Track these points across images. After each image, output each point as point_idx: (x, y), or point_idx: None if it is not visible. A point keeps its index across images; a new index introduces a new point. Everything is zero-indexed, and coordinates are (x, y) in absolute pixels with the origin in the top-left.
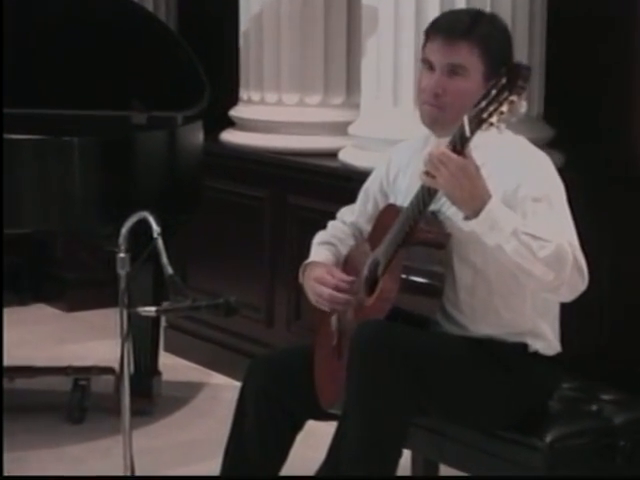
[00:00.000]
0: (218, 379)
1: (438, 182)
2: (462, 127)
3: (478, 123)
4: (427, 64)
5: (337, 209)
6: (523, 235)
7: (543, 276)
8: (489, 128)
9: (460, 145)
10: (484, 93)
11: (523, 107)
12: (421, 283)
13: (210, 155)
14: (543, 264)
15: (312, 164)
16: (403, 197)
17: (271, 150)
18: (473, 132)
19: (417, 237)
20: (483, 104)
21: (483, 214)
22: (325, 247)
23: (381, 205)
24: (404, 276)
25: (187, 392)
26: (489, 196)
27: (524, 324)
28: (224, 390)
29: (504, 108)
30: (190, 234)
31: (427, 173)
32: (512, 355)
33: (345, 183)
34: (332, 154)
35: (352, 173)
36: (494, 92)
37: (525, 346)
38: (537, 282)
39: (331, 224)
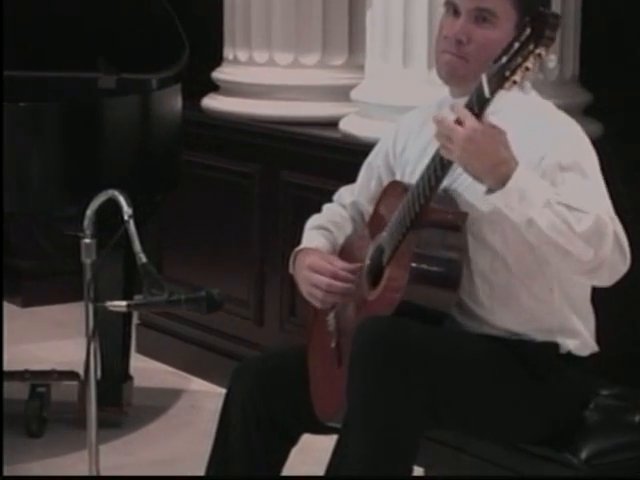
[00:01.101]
0: (199, 385)
1: (453, 153)
2: (480, 87)
3: (499, 82)
4: (451, 8)
5: (337, 187)
6: (558, 206)
7: (581, 254)
8: (512, 87)
9: (478, 108)
10: (505, 47)
11: (552, 61)
12: (435, 272)
13: (190, 124)
14: (582, 240)
15: (308, 134)
16: (412, 170)
17: (261, 118)
18: (494, 93)
19: (428, 218)
20: (504, 60)
21: (510, 184)
22: (319, 232)
23: (386, 183)
24: (414, 264)
25: (163, 400)
26: (516, 163)
27: (552, 318)
28: (206, 398)
29: (529, 63)
30: (167, 216)
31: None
32: (541, 356)
33: (347, 157)
34: (332, 123)
35: (355, 145)
36: (517, 45)
37: (556, 346)
38: (574, 262)
39: (327, 207)
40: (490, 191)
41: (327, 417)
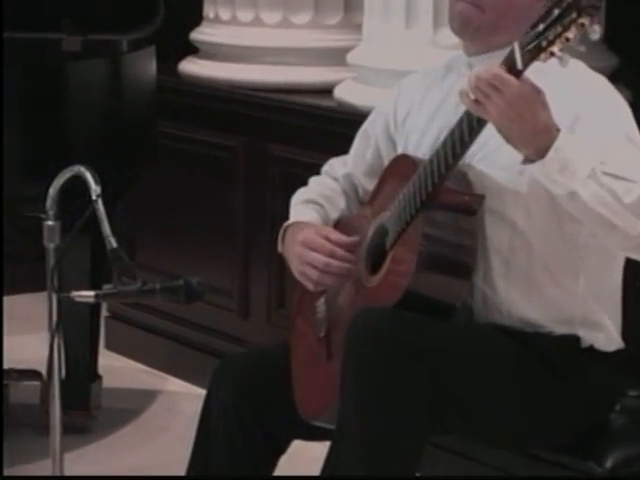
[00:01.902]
0: (176, 386)
1: (489, 113)
2: (512, 56)
3: (534, 52)
4: None
5: None
6: (603, 176)
7: (629, 228)
8: (549, 59)
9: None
10: (543, 14)
11: (596, 33)
12: (445, 258)
13: (166, 91)
14: (630, 212)
15: (299, 103)
16: (417, 140)
17: (245, 85)
18: (527, 64)
19: (442, 199)
20: (541, 27)
21: (551, 153)
22: (309, 206)
23: (385, 154)
24: (423, 247)
25: (135, 402)
26: (557, 130)
27: (574, 308)
28: (184, 400)
29: (570, 34)
30: (140, 195)
31: (476, 101)
32: (560, 351)
33: (343, 128)
34: (326, 90)
35: (352, 114)
36: (557, 12)
37: (577, 339)
38: (620, 237)
39: (314, 180)
40: (528, 161)
41: (311, 416)
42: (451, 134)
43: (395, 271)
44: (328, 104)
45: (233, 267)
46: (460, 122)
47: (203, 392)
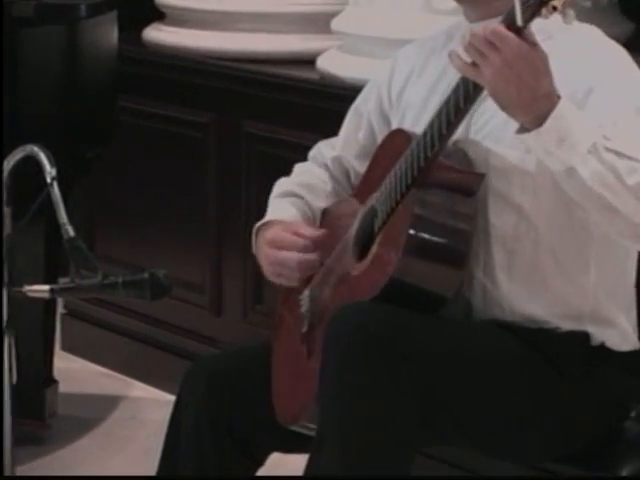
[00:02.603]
0: (141, 391)
1: (483, 74)
2: (512, 13)
3: (535, 7)
4: None
5: (315, 141)
6: (606, 152)
7: (631, 213)
8: (551, 15)
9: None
10: None
11: None
12: (437, 243)
13: (128, 61)
14: (632, 195)
15: (278, 75)
16: (415, 116)
17: (217, 54)
18: (528, 21)
19: (436, 176)
20: None
21: (550, 122)
22: (287, 200)
23: (378, 133)
24: (413, 230)
25: (96, 410)
26: (558, 97)
27: (583, 302)
28: (150, 407)
29: None
30: (100, 179)
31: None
32: (567, 349)
33: (327, 103)
34: (308, 60)
35: (337, 88)
36: None
37: (586, 336)
38: (622, 223)
39: (299, 167)
40: (523, 130)
41: (289, 420)
42: (446, 102)
43: (381, 258)
44: (310, 76)
45: (204, 259)
46: (456, 89)
47: (172, 398)
